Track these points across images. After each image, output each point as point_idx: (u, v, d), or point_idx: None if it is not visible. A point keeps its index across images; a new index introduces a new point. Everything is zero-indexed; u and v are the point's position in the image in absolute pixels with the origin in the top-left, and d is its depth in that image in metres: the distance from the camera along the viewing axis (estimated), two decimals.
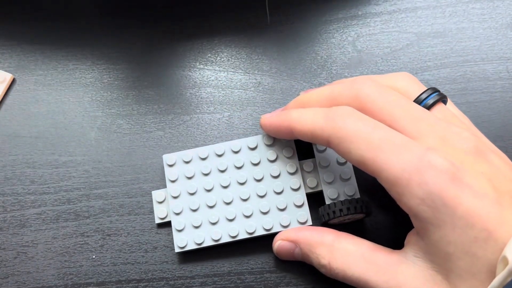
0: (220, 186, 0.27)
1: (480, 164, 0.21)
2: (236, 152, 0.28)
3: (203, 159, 0.28)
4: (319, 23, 0.32)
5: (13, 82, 0.32)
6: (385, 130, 0.22)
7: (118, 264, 0.28)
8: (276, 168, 0.27)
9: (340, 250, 0.24)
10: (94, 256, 0.28)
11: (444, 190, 0.20)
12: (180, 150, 0.29)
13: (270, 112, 0.30)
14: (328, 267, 0.24)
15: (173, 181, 0.28)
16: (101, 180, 0.29)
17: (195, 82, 0.31)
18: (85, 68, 0.32)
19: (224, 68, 0.32)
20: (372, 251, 0.23)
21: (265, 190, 0.27)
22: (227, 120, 0.30)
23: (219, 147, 0.28)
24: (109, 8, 0.33)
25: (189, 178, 0.27)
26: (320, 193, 0.27)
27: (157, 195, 0.28)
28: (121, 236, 0.28)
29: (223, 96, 0.31)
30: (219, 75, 0.31)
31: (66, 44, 0.33)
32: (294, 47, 0.32)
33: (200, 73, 0.32)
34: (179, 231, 0.27)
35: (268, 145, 0.28)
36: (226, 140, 0.30)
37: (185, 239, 0.26)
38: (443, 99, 0.24)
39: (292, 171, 0.27)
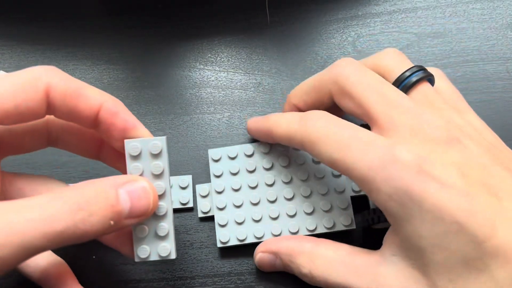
0: (264, 184, 0.27)
1: (451, 153, 0.20)
2: (282, 151, 0.28)
3: (249, 156, 0.28)
4: (319, 24, 0.32)
5: None
6: (353, 129, 0.22)
7: (118, 264, 0.28)
8: (321, 169, 0.27)
9: (320, 257, 0.23)
10: (94, 257, 0.28)
11: (410, 184, 0.19)
12: (181, 150, 0.29)
13: (270, 112, 0.30)
14: (310, 275, 0.23)
15: (217, 176, 0.28)
16: None
17: (195, 82, 0.31)
18: (85, 68, 0.32)
19: (224, 68, 0.32)
20: (350, 255, 0.23)
21: (310, 190, 0.27)
22: (227, 120, 0.30)
23: (265, 145, 0.28)
24: (109, 8, 0.33)
25: (234, 174, 0.28)
26: (364, 197, 0.27)
27: (201, 189, 0.28)
28: None
29: (223, 97, 0.31)
30: (219, 76, 0.31)
31: (66, 44, 0.33)
32: (294, 47, 0.32)
33: (200, 74, 0.32)
34: (222, 226, 0.27)
35: None
36: (226, 140, 0.30)
37: (228, 235, 0.27)
38: (428, 77, 0.23)
39: (337, 173, 0.27)
